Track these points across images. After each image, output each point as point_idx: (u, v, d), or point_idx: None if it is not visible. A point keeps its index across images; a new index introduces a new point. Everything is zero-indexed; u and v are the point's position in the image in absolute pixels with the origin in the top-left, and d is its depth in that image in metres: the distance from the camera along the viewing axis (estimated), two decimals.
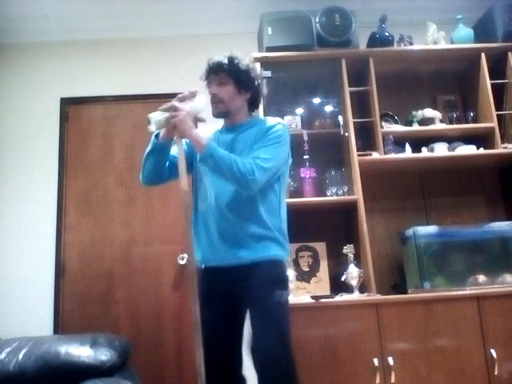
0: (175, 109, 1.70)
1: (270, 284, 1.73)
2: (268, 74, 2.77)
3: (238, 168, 1.68)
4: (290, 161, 1.95)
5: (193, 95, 1.78)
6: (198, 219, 1.86)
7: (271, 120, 1.89)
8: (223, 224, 1.79)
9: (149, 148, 1.84)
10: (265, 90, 2.02)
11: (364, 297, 2.43)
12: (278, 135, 1.82)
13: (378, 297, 2.40)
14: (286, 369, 1.65)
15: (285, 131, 1.85)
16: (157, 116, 1.70)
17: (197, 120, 1.81)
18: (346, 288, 2.52)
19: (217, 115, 1.87)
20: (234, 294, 1.76)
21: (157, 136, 1.81)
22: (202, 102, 1.79)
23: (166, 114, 1.70)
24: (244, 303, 1.74)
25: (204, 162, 1.76)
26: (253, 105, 1.94)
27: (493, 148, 2.77)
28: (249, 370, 1.73)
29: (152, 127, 1.70)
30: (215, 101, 1.84)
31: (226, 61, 1.82)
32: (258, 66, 2.79)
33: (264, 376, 1.63)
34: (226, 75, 1.83)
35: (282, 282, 1.79)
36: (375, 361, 2.21)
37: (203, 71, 1.88)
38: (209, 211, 1.82)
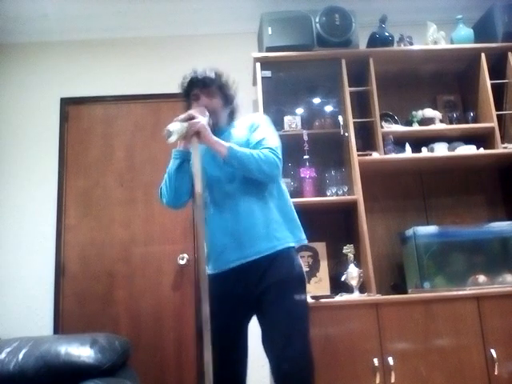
0: (193, 117, 1.74)
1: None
2: (268, 74, 2.77)
3: (263, 162, 1.74)
4: None
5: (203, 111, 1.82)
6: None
7: (251, 115, 2.00)
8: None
9: (176, 163, 1.82)
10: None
11: (364, 297, 2.43)
12: (269, 123, 1.94)
13: (378, 297, 2.40)
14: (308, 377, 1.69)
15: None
16: (177, 126, 1.72)
17: None
18: (346, 288, 2.52)
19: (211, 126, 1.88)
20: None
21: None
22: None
23: (185, 124, 1.73)
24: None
25: (229, 163, 1.76)
26: (230, 118, 1.99)
27: (493, 148, 2.77)
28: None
29: (173, 138, 1.70)
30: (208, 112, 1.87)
31: (213, 75, 1.89)
32: (257, 66, 2.80)
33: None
34: (216, 88, 1.90)
35: None
36: (375, 361, 2.21)
37: (184, 82, 1.90)
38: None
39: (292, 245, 1.81)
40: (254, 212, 1.78)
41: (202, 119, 1.74)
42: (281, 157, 1.81)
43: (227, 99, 1.94)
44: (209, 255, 1.83)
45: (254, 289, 1.74)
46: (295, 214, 1.89)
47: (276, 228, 1.78)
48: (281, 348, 1.66)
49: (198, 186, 1.67)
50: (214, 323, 1.57)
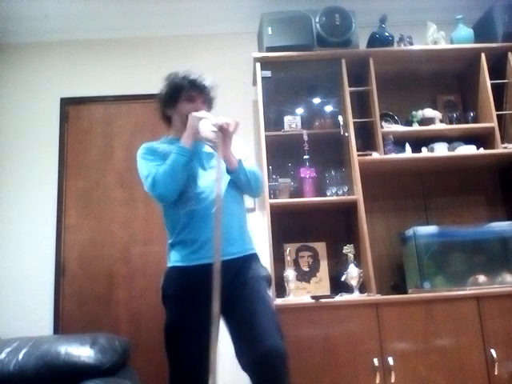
0: (225, 126, 1.76)
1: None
2: (268, 74, 2.77)
3: (260, 181, 1.97)
4: None
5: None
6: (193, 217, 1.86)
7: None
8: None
9: (184, 160, 1.80)
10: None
11: (364, 297, 2.43)
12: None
13: (378, 297, 2.40)
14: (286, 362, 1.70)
15: None
16: (207, 127, 1.76)
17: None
18: (346, 288, 2.52)
19: None
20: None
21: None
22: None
23: (217, 131, 1.76)
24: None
25: (235, 175, 1.85)
26: None
27: (493, 148, 2.77)
28: None
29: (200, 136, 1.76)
30: None
31: (208, 84, 1.94)
32: (257, 66, 2.80)
33: (270, 370, 1.65)
34: (208, 97, 1.97)
35: None
36: (375, 361, 2.21)
37: (181, 79, 1.91)
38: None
39: (256, 252, 1.92)
40: (234, 215, 1.87)
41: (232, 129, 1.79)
42: None
43: (210, 108, 2.01)
44: (186, 247, 1.84)
45: (227, 287, 1.74)
46: None
47: (247, 234, 1.93)
48: (266, 337, 1.66)
49: (220, 189, 1.69)
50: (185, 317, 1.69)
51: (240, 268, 1.82)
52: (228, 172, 1.86)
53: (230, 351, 1.80)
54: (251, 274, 1.82)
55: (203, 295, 1.73)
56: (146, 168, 1.88)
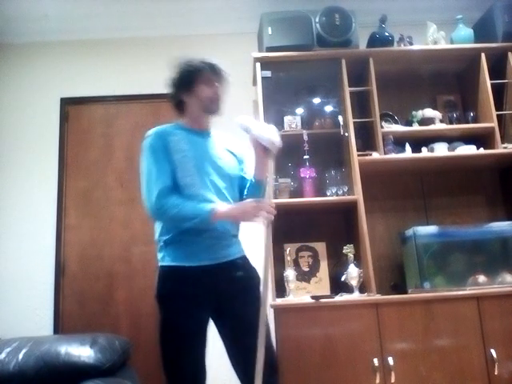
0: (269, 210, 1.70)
1: None
2: (268, 74, 2.77)
3: None
4: None
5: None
6: None
7: (229, 138, 2.03)
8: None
9: (199, 224, 1.72)
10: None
11: (364, 297, 2.43)
12: None
13: (378, 297, 2.40)
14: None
15: None
16: (273, 136, 1.74)
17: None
18: (346, 288, 2.52)
19: (215, 113, 1.91)
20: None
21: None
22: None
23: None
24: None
25: (260, 184, 1.86)
26: None
27: (493, 148, 2.77)
28: None
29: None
30: (217, 101, 1.88)
31: (224, 69, 1.91)
32: (257, 66, 2.80)
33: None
34: (224, 83, 1.92)
35: None
36: (375, 361, 2.21)
37: (197, 67, 1.87)
38: None
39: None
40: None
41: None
42: None
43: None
44: (186, 246, 1.78)
45: (227, 288, 1.77)
46: None
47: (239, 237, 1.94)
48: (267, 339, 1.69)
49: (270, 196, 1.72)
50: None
51: (239, 267, 1.83)
52: (255, 180, 1.86)
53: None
54: (250, 274, 1.83)
55: (201, 297, 1.74)
56: (154, 176, 1.78)
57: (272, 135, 1.73)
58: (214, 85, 1.87)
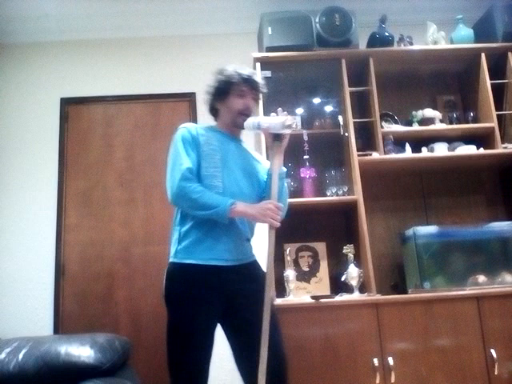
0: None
1: None
2: (268, 74, 2.76)
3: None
4: None
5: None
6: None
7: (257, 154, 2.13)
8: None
9: (214, 216, 1.72)
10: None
11: (364, 297, 2.42)
12: None
13: (378, 297, 2.40)
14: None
15: None
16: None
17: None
18: (346, 288, 2.52)
19: (240, 127, 1.92)
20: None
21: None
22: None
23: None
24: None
25: (282, 178, 1.92)
26: None
27: (493, 148, 2.77)
28: None
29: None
30: (246, 113, 1.89)
31: (262, 82, 1.97)
32: (258, 66, 2.80)
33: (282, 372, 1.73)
34: (260, 95, 1.99)
35: None
36: (375, 361, 2.21)
37: (235, 74, 1.89)
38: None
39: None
40: (250, 222, 1.87)
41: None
42: None
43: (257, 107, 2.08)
44: (201, 243, 1.78)
45: (238, 291, 1.77)
46: None
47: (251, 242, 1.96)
48: (279, 342, 1.77)
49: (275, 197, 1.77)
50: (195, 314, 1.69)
51: (250, 271, 1.85)
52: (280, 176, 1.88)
53: (228, 351, 1.80)
54: (261, 278, 1.76)
55: (211, 300, 1.74)
56: (180, 161, 1.78)
57: (281, 119, 1.77)
58: (246, 96, 1.91)
